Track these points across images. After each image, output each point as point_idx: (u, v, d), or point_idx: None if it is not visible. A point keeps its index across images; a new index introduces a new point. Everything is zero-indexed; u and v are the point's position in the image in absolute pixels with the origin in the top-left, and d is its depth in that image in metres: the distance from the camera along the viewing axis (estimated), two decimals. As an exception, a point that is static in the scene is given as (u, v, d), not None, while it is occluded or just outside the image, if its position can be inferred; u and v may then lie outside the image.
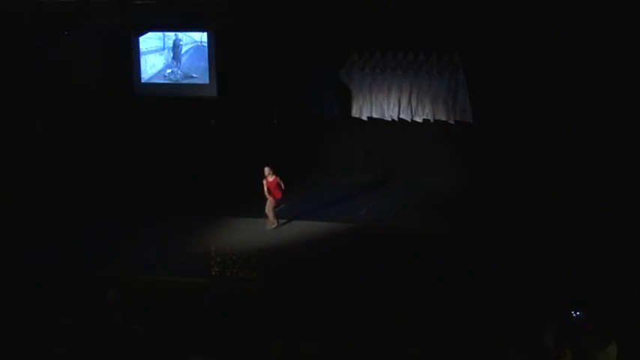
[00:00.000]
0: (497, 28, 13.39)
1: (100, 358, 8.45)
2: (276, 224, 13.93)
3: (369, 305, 10.58)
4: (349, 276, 11.85)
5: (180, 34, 16.00)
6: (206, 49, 15.87)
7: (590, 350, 8.42)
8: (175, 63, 16.18)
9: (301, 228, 13.94)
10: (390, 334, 8.95)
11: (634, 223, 12.69)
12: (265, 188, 13.75)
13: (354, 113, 16.32)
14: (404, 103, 15.96)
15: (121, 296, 10.31)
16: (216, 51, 15.85)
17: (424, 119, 15.88)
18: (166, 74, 16.25)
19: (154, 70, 16.29)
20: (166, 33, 16.04)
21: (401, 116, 16.03)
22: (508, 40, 13.83)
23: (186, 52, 16.13)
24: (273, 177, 13.77)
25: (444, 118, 15.78)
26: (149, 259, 12.56)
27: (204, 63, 15.98)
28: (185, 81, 16.19)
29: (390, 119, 16.18)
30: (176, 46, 16.10)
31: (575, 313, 9.13)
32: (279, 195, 13.81)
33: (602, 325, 8.77)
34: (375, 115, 16.22)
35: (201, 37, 15.84)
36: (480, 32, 13.81)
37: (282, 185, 13.78)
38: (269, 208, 13.85)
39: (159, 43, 16.17)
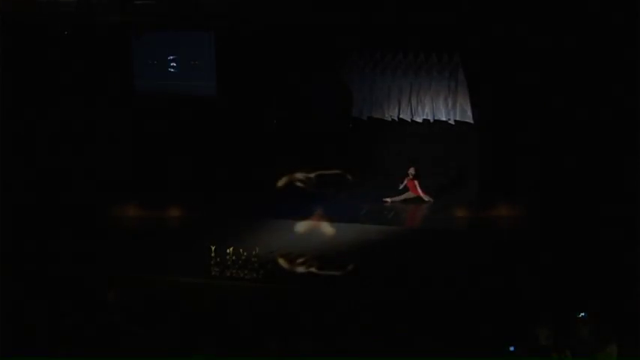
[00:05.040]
0: (497, 28, 13.38)
1: (100, 358, 8.46)
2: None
3: (369, 306, 10.58)
4: (349, 276, 11.85)
5: (180, 34, 15.99)
6: (206, 49, 15.87)
7: (591, 350, 8.42)
8: (176, 63, 16.18)
9: (301, 228, 13.94)
10: (391, 335, 8.96)
11: (636, 223, 12.68)
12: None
13: (354, 113, 16.34)
14: (404, 103, 15.99)
15: (121, 296, 10.31)
16: (217, 51, 15.85)
17: (424, 119, 15.90)
18: (166, 74, 16.24)
19: (154, 70, 16.28)
20: (167, 33, 16.03)
21: (401, 116, 16.05)
22: (509, 39, 13.81)
23: (187, 52, 16.13)
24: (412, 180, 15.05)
25: (443, 118, 15.80)
26: (149, 258, 12.56)
27: (204, 63, 15.97)
28: (185, 81, 16.19)
29: (390, 119, 16.20)
30: (176, 46, 16.10)
31: (579, 314, 9.11)
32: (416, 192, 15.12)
33: (602, 326, 8.76)
34: (375, 115, 16.24)
35: (201, 37, 15.84)
36: (480, 32, 13.80)
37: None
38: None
39: (159, 43, 16.17)
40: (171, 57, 16.23)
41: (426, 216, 14.84)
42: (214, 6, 12.96)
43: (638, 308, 9.60)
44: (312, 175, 15.04)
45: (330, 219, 14.32)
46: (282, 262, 12.27)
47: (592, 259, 11.76)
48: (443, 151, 16.21)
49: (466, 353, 8.61)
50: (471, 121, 15.35)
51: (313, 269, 12.17)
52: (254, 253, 12.02)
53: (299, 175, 15.03)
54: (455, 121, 15.72)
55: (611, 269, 11.34)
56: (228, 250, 11.96)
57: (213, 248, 11.95)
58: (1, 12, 13.06)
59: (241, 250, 12.03)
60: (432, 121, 15.86)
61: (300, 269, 12.17)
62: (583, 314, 8.92)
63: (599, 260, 11.68)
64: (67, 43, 15.51)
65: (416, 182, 15.12)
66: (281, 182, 14.92)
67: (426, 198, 15.09)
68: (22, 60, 15.29)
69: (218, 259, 11.88)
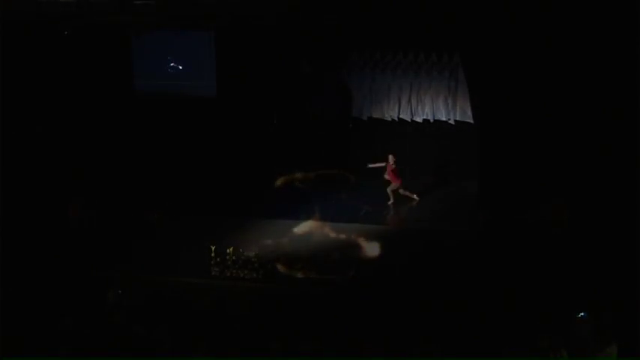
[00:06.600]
0: (497, 28, 13.38)
1: (100, 358, 8.47)
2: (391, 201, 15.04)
3: (369, 306, 10.59)
4: (349, 276, 11.85)
5: (180, 35, 15.99)
6: (206, 49, 15.87)
7: (591, 350, 8.43)
8: (176, 63, 16.18)
9: (301, 228, 13.95)
10: (392, 335, 8.97)
11: (636, 222, 12.68)
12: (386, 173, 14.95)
13: (354, 113, 16.34)
14: (404, 103, 15.99)
15: (121, 296, 10.32)
16: (217, 51, 15.85)
17: (424, 119, 15.90)
18: (166, 74, 16.24)
19: (154, 70, 16.28)
20: (167, 33, 16.03)
21: (401, 116, 16.06)
22: (509, 39, 13.81)
23: (187, 51, 16.12)
24: (394, 166, 14.81)
25: (443, 118, 15.80)
26: (150, 258, 12.57)
27: (204, 63, 15.97)
28: (185, 81, 16.19)
29: (389, 119, 16.20)
30: (176, 46, 16.10)
31: (580, 314, 9.13)
32: (398, 181, 14.85)
33: (602, 326, 8.77)
34: (375, 115, 16.24)
35: (201, 37, 15.84)
36: (480, 32, 13.79)
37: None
38: (390, 189, 14.98)
39: (159, 43, 16.17)
40: (171, 57, 16.23)
41: (426, 216, 14.82)
42: (214, 6, 12.95)
43: (638, 308, 9.62)
44: (311, 175, 15.08)
45: (330, 219, 14.33)
46: (281, 261, 12.27)
47: (592, 258, 11.76)
48: (443, 151, 16.20)
49: (467, 353, 8.62)
50: (471, 121, 15.34)
51: (313, 269, 12.18)
52: (254, 253, 12.04)
53: (298, 175, 15.08)
54: (455, 121, 15.72)
55: (611, 269, 11.35)
56: (228, 250, 11.98)
57: (213, 248, 11.96)
58: (1, 12, 13.05)
59: (241, 250, 12.05)
60: (432, 120, 15.86)
61: (300, 269, 12.18)
62: (583, 314, 8.92)
63: (599, 260, 11.68)
64: (67, 43, 15.51)
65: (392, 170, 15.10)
66: (279, 182, 14.97)
67: (396, 186, 15.09)
68: (22, 60, 15.28)
69: (218, 259, 11.89)
